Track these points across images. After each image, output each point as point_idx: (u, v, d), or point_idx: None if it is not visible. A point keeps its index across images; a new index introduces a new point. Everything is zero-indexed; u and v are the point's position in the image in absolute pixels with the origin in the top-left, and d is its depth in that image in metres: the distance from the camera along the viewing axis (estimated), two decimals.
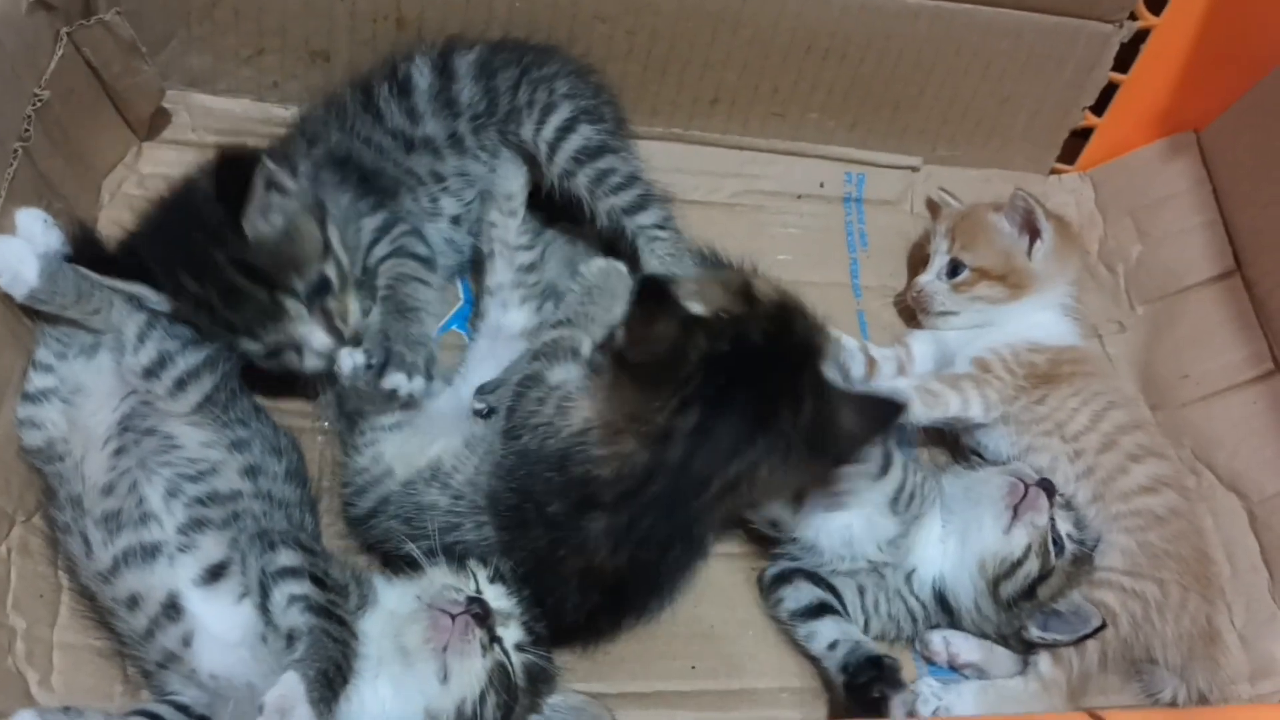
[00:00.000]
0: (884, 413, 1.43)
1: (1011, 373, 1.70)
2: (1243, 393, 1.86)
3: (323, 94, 1.75)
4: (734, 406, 1.30)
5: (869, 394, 1.51)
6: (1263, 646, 1.72)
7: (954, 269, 1.83)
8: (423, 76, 1.68)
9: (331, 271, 1.50)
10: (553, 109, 1.67)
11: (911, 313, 1.92)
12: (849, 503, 1.55)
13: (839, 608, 1.61)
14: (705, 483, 1.33)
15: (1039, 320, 1.78)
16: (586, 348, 1.53)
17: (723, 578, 1.68)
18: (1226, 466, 1.82)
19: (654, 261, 1.66)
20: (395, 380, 1.48)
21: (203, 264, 1.42)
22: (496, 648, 1.32)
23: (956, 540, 1.60)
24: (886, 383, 1.78)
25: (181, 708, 1.30)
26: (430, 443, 1.53)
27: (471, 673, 1.29)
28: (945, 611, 1.63)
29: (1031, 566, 1.55)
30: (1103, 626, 1.54)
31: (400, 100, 1.67)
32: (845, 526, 1.57)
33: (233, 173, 1.42)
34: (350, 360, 1.50)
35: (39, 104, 1.51)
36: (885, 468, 1.55)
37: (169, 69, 1.77)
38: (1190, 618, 1.61)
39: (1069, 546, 1.56)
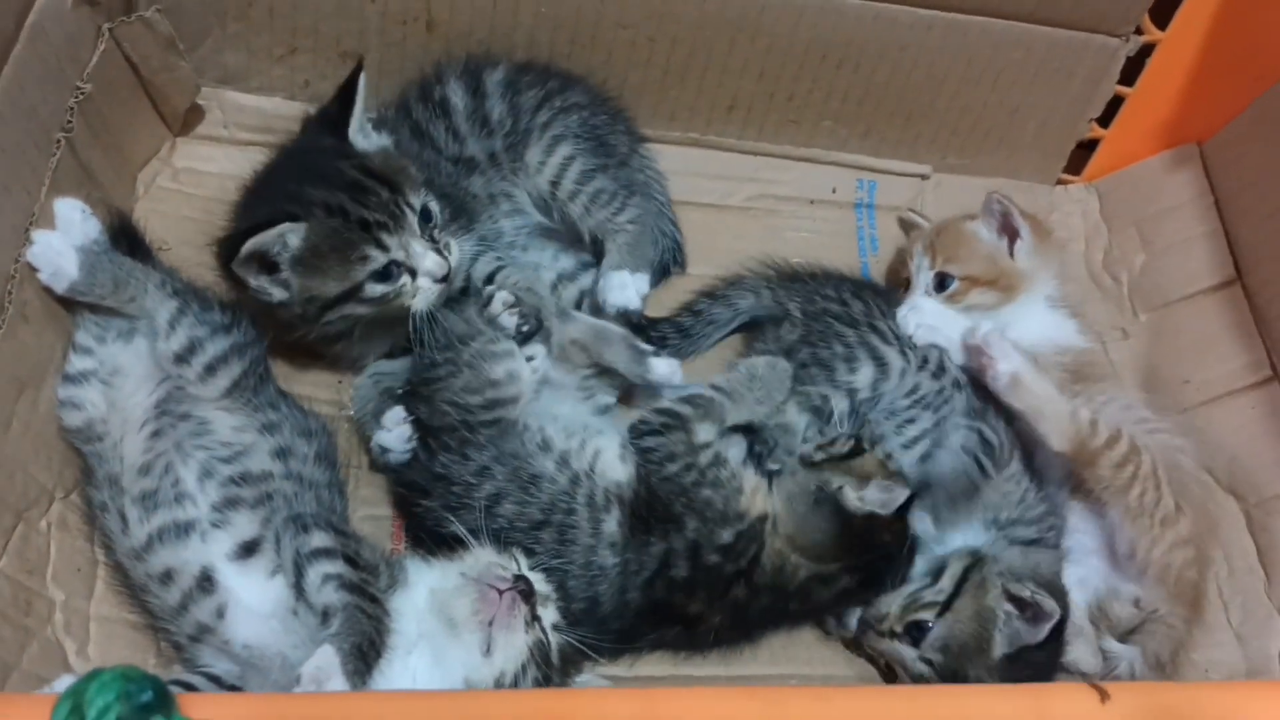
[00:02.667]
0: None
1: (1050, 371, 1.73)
2: (1242, 398, 1.91)
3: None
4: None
5: None
6: (1259, 646, 1.76)
7: (941, 283, 1.82)
8: (458, 97, 1.75)
9: (434, 205, 1.60)
10: (561, 141, 1.75)
11: None
12: None
13: None
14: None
15: (1048, 322, 1.82)
16: (729, 420, 1.63)
17: None
18: (1225, 470, 1.86)
19: (617, 255, 1.77)
20: (535, 349, 1.63)
21: (328, 173, 1.52)
22: (537, 626, 1.37)
23: None
24: None
25: (214, 679, 1.34)
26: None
27: (515, 646, 1.35)
28: None
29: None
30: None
31: (443, 120, 1.74)
32: None
33: (334, 101, 1.59)
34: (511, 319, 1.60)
35: (81, 96, 1.56)
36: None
37: (204, 66, 1.82)
38: (1182, 561, 1.62)
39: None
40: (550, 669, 1.37)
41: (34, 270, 1.44)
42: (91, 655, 1.42)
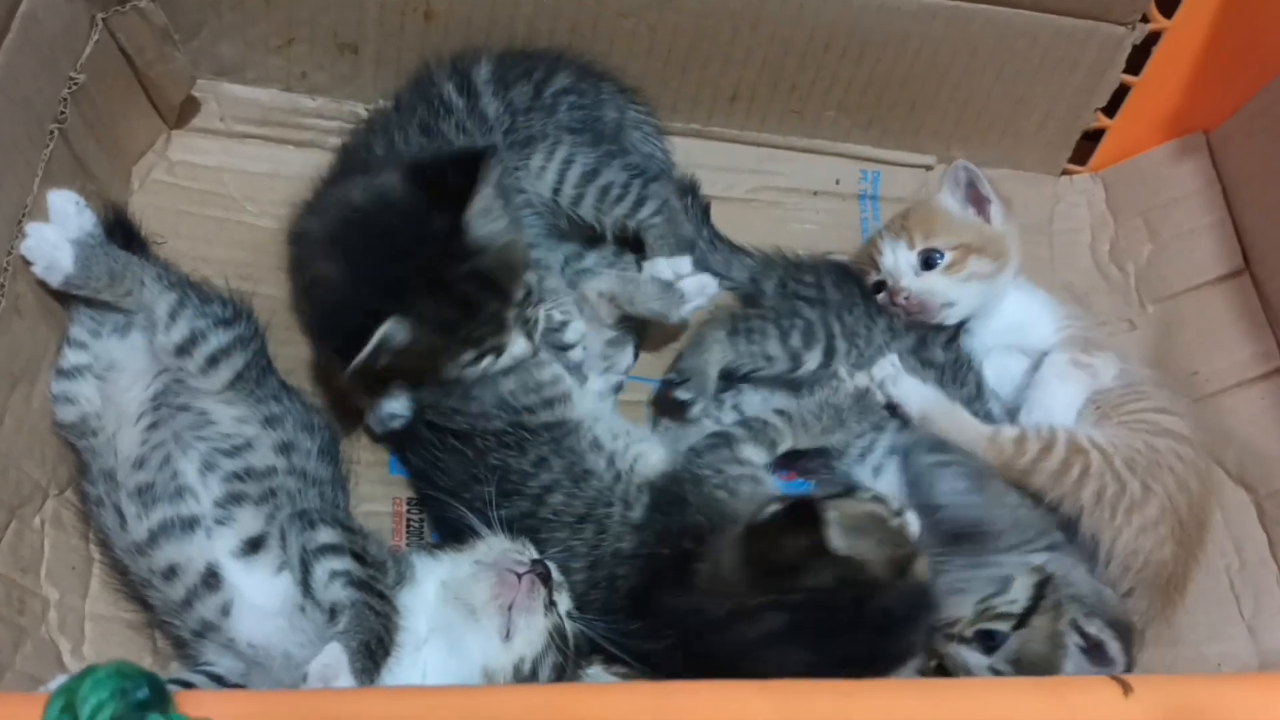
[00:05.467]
0: None
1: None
2: (1251, 389, 1.88)
3: (350, 109, 1.83)
4: (808, 644, 1.28)
5: None
6: (1272, 639, 1.73)
7: (928, 260, 1.75)
8: (455, 97, 1.72)
9: (533, 279, 1.53)
10: (558, 145, 1.73)
11: None
12: None
13: None
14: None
15: (1035, 302, 1.80)
16: (784, 446, 1.61)
17: None
18: (1235, 461, 1.84)
19: (654, 248, 1.75)
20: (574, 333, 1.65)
21: (441, 281, 1.42)
22: (555, 611, 1.36)
23: None
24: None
25: (216, 678, 1.32)
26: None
27: (535, 630, 1.33)
28: None
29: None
30: None
31: (448, 116, 1.71)
32: None
33: (470, 165, 1.41)
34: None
35: (74, 87, 1.54)
36: None
37: (200, 57, 1.80)
38: (1152, 544, 1.59)
39: None
40: (569, 654, 1.36)
41: (28, 263, 1.41)
42: (87, 654, 1.40)
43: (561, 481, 1.51)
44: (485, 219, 1.44)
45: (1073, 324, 1.77)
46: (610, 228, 1.76)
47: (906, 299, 1.74)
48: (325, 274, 1.46)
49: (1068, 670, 1.50)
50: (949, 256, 1.75)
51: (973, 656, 1.54)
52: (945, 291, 1.74)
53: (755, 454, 1.56)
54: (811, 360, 1.70)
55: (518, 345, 1.52)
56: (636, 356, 1.84)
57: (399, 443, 1.65)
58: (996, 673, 1.52)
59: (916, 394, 1.64)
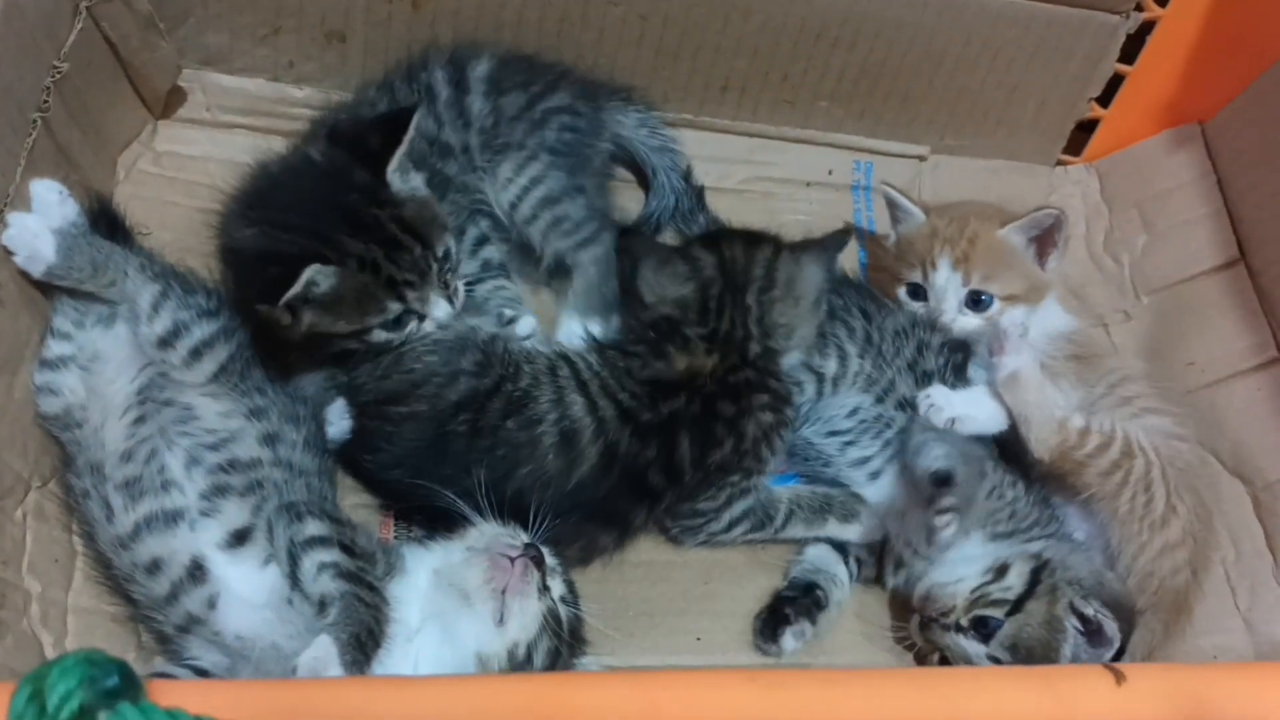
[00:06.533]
0: None
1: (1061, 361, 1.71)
2: (1247, 380, 1.87)
3: (338, 99, 1.80)
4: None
5: None
6: (1267, 631, 1.72)
7: (976, 300, 1.73)
8: (442, 87, 1.71)
9: (452, 245, 1.57)
10: (532, 160, 1.73)
11: None
12: None
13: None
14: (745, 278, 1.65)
15: (1046, 311, 1.78)
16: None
17: (733, 555, 1.70)
18: (1231, 453, 1.83)
19: (575, 297, 1.78)
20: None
21: (366, 223, 1.46)
22: (549, 595, 1.35)
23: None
24: None
25: (200, 672, 1.30)
26: None
27: (529, 614, 1.33)
28: None
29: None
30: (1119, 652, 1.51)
31: (428, 105, 1.70)
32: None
33: (394, 123, 1.49)
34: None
35: (57, 76, 1.51)
36: None
37: (186, 46, 1.78)
38: (1169, 568, 1.58)
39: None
40: (564, 638, 1.36)
41: (9, 253, 1.39)
42: (69, 648, 1.38)
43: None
44: (404, 176, 1.51)
45: (1052, 349, 1.74)
46: (549, 256, 1.77)
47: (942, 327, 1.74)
48: (242, 237, 1.49)
49: (1066, 654, 1.49)
50: (996, 305, 1.74)
51: (970, 645, 1.54)
52: (978, 330, 1.74)
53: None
54: (828, 367, 1.72)
55: (439, 308, 1.54)
56: None
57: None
58: (995, 660, 1.52)
59: (1022, 355, 1.61)
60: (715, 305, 1.62)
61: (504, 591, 1.33)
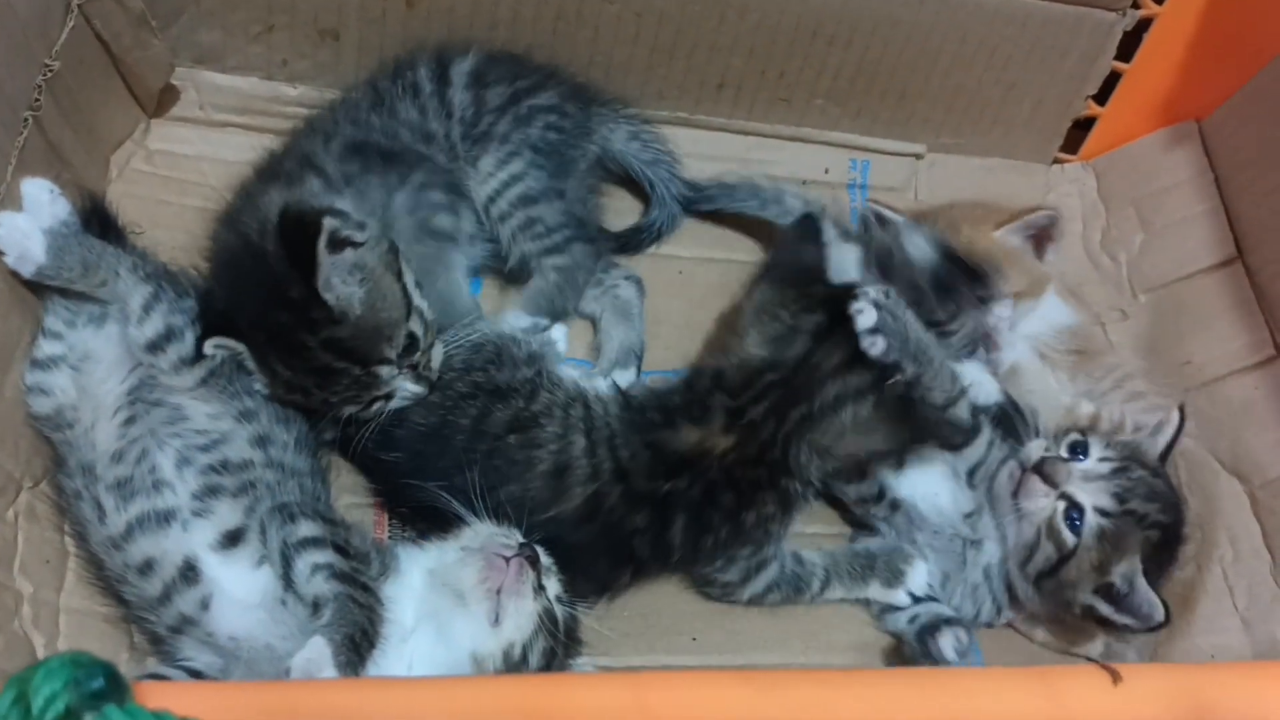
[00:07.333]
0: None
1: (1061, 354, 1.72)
2: (1244, 378, 1.87)
3: (330, 97, 1.79)
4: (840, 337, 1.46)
5: None
6: (1265, 630, 1.71)
7: (981, 300, 1.74)
8: (425, 83, 1.71)
9: (418, 327, 1.48)
10: (514, 157, 1.71)
11: None
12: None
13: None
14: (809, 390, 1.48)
15: (1046, 304, 1.79)
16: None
17: None
18: (1229, 451, 1.82)
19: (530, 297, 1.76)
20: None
21: (294, 349, 1.39)
22: (544, 594, 1.35)
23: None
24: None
25: (193, 673, 1.30)
26: None
27: (524, 613, 1.33)
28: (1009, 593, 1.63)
29: (1048, 549, 1.53)
30: (1166, 622, 1.50)
31: (412, 98, 1.70)
32: (934, 494, 1.62)
33: (298, 233, 1.35)
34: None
35: (49, 74, 1.51)
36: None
37: (179, 44, 1.77)
38: (1179, 563, 1.60)
39: (1091, 522, 1.52)
40: (559, 638, 1.35)
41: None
42: (61, 649, 1.35)
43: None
44: (343, 281, 1.38)
45: (1052, 342, 1.77)
46: (515, 257, 1.75)
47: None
48: (214, 289, 1.46)
49: None
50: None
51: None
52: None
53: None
54: None
55: (404, 390, 1.49)
56: None
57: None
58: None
59: (1017, 346, 1.68)
60: (757, 392, 1.52)
61: (499, 591, 1.32)
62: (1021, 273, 1.76)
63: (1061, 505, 1.54)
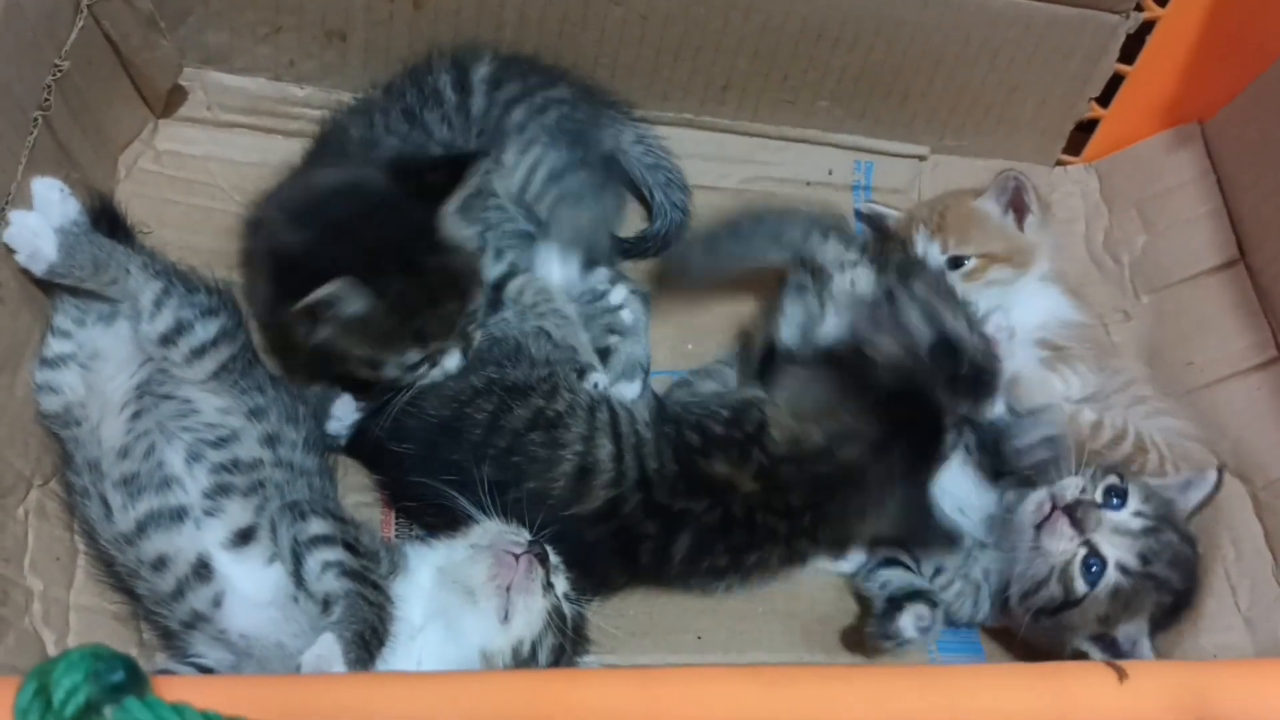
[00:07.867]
0: None
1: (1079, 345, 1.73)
2: (1246, 379, 1.87)
3: (353, 104, 1.80)
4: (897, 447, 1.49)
5: None
6: (1267, 630, 1.72)
7: (955, 264, 1.81)
8: (449, 92, 1.72)
9: (481, 302, 1.56)
10: (533, 144, 1.73)
11: None
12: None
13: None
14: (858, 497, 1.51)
15: (1047, 297, 1.82)
16: None
17: None
18: (1231, 452, 1.82)
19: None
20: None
21: (413, 263, 1.44)
22: (553, 592, 1.36)
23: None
24: None
25: (205, 670, 1.30)
26: None
27: (534, 611, 1.34)
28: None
29: (1055, 590, 1.50)
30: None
31: (439, 109, 1.71)
32: (963, 496, 1.66)
33: (433, 171, 1.47)
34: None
35: (58, 74, 1.51)
36: None
37: (187, 45, 1.78)
38: None
39: (1109, 578, 1.48)
40: (568, 636, 1.36)
41: (10, 251, 1.39)
42: (71, 646, 1.35)
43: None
44: (458, 223, 1.48)
45: (1062, 333, 1.78)
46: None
47: None
48: (288, 241, 1.45)
49: None
50: (972, 263, 1.80)
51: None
52: (963, 293, 1.77)
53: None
54: None
55: (452, 359, 1.53)
56: None
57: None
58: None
59: (1016, 356, 1.68)
60: (801, 473, 1.51)
61: (509, 588, 1.33)
62: (996, 236, 1.82)
63: (1083, 552, 1.49)
